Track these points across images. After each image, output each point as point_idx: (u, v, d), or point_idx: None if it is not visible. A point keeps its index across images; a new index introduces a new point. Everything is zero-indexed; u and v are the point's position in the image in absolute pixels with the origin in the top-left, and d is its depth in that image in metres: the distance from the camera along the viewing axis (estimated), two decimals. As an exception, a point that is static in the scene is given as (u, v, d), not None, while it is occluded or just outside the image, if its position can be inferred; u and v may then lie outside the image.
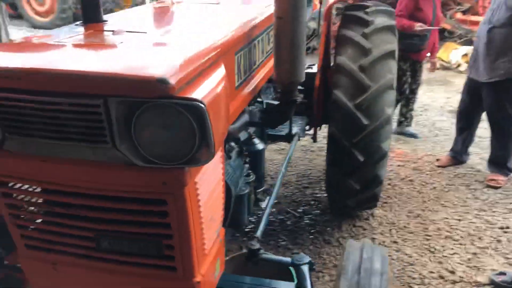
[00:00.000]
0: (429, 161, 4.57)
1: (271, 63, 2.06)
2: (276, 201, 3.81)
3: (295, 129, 3.04)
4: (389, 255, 3.10)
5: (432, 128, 5.51)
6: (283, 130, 3.02)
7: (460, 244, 3.25)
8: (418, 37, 4.55)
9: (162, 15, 1.89)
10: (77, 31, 1.42)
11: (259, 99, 2.46)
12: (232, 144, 1.86)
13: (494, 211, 3.65)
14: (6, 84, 1.06)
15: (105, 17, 1.55)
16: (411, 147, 4.96)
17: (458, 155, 4.44)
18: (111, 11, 14.52)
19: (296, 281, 1.74)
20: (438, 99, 6.57)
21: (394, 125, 5.20)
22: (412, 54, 4.71)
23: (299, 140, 3.11)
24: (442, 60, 7.79)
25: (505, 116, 3.91)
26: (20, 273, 1.97)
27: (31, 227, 1.36)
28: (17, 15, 14.13)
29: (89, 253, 1.32)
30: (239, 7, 2.17)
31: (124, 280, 1.35)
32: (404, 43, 4.52)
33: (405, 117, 5.19)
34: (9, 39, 1.84)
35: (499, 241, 3.27)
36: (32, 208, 1.33)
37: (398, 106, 5.21)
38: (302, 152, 4.87)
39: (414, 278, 2.91)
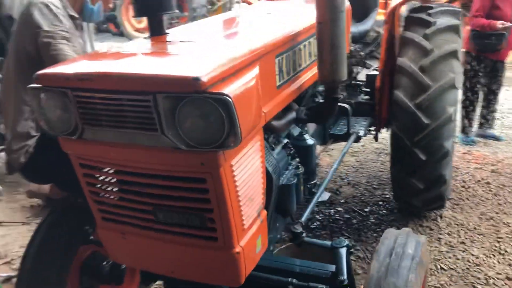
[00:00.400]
0: (510, 164, 4.40)
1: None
2: (343, 201, 3.94)
3: (356, 129, 3.16)
4: (454, 255, 3.10)
5: (518, 131, 5.25)
6: (344, 130, 3.16)
7: (534, 247, 3.14)
8: (495, 36, 4.40)
9: (216, 26, 2.16)
10: (142, 43, 1.73)
11: (316, 100, 2.63)
12: (281, 138, 2.06)
13: None
14: (84, 85, 1.37)
15: (168, 30, 1.85)
16: (492, 149, 4.79)
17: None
18: (204, 16, 15.41)
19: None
20: (529, 101, 6.21)
21: (475, 127, 5.07)
22: (489, 54, 4.56)
23: (359, 139, 3.22)
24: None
25: None
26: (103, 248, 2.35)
27: (105, 201, 1.67)
28: (120, 33, 15.50)
29: (149, 224, 1.60)
30: (289, 16, 2.38)
31: (176, 248, 1.61)
32: (480, 43, 4.41)
33: (486, 119, 5.02)
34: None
35: None
36: (105, 185, 1.65)
37: (479, 108, 5.05)
38: (375, 154, 4.92)
39: (478, 279, 2.89)
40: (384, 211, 3.74)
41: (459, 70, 3.05)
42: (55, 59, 2.03)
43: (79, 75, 1.38)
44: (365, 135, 3.30)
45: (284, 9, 2.72)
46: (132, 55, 1.55)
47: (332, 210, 3.76)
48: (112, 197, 1.66)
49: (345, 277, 1.81)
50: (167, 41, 1.69)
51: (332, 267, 1.92)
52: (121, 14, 14.12)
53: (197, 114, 1.31)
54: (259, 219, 1.72)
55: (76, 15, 2.29)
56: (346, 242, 1.91)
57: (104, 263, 2.26)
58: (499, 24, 4.39)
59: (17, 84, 2.19)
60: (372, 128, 3.54)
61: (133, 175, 1.54)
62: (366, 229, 3.49)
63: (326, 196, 3.51)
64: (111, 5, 2.49)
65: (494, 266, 2.98)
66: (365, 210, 3.77)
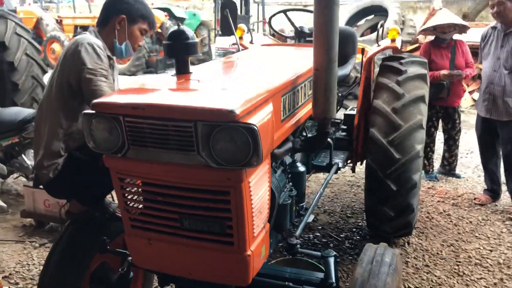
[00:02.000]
0: (468, 198, 4.89)
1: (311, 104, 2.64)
2: (320, 227, 4.29)
3: (336, 161, 3.56)
4: (420, 276, 3.48)
5: (475, 170, 5.79)
6: (325, 161, 3.56)
7: (489, 270, 3.56)
8: (434, 87, 4.75)
9: (231, 67, 2.55)
10: (174, 79, 2.08)
11: (304, 134, 3.02)
12: (278, 164, 2.43)
13: (526, 245, 3.92)
14: (136, 113, 1.71)
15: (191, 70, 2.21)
16: (453, 185, 5.29)
17: (492, 191, 4.74)
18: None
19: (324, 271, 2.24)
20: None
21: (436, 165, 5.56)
22: (435, 101, 4.99)
23: (339, 170, 3.62)
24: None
25: None
26: (114, 262, 2.61)
27: (135, 211, 1.98)
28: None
29: (174, 231, 1.91)
30: (288, 62, 2.79)
31: (196, 252, 1.92)
32: None
33: (448, 162, 5.48)
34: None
35: (527, 270, 3.55)
36: (137, 197, 1.95)
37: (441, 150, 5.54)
38: (348, 186, 5.34)
39: (441, 297, 3.27)
40: (357, 237, 4.11)
41: (425, 113, 3.52)
42: (94, 94, 2.34)
43: (132, 104, 1.72)
44: (344, 167, 3.71)
45: (281, 55, 3.13)
46: (171, 90, 1.90)
47: (311, 235, 4.11)
48: (142, 207, 1.96)
49: (334, 280, 2.15)
50: (195, 79, 2.05)
51: (321, 274, 2.26)
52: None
53: (228, 138, 1.66)
54: (264, 230, 2.05)
55: (111, 55, 2.63)
56: (334, 252, 2.26)
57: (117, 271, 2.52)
58: (442, 72, 4.84)
59: (56, 110, 2.48)
60: (349, 161, 3.95)
61: (164, 188, 1.86)
62: (342, 252, 3.84)
63: (311, 218, 3.85)
64: (141, 43, 2.80)
65: (454, 286, 3.37)
66: (341, 235, 4.14)
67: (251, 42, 4.04)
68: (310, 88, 2.67)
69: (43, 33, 15.51)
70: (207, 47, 15.98)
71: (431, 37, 5.44)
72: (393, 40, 3.71)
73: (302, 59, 2.73)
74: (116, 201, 3.10)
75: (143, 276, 2.85)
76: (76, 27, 15.87)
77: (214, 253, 1.90)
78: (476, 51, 10.11)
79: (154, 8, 15.51)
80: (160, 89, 1.91)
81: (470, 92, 9.38)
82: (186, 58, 2.18)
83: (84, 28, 15.95)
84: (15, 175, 5.02)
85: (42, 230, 4.23)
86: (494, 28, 4.44)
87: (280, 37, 4.86)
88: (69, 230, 2.48)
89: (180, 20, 14.94)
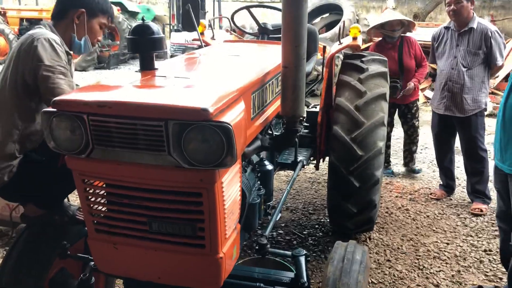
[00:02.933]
0: (425, 193, 5.03)
1: (279, 101, 2.61)
2: (283, 224, 4.29)
3: (300, 158, 3.55)
4: (382, 271, 3.54)
5: (430, 165, 5.97)
6: (289, 159, 3.55)
7: (446, 263, 3.67)
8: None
9: (197, 64, 2.48)
10: (139, 76, 1.99)
11: (270, 132, 2.99)
12: (247, 162, 2.38)
13: (480, 237, 4.08)
14: (102, 111, 1.61)
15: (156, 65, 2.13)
16: (410, 181, 5.43)
17: (447, 187, 4.91)
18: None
19: (294, 271, 2.22)
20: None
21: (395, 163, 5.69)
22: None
23: (303, 167, 3.62)
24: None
25: (477, 146, 4.42)
26: (73, 267, 2.48)
27: (100, 214, 1.87)
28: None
29: (143, 234, 1.83)
30: (255, 58, 2.75)
31: (166, 256, 1.84)
32: None
33: (404, 157, 5.63)
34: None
35: (481, 261, 3.68)
36: (102, 199, 1.85)
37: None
38: (309, 183, 5.37)
39: (403, 290, 3.34)
40: (320, 234, 4.14)
41: (386, 110, 3.58)
42: (52, 92, 2.20)
43: (98, 102, 1.62)
44: (308, 164, 3.71)
45: (247, 52, 3.08)
46: (139, 87, 1.81)
47: (274, 233, 4.10)
48: (107, 210, 1.86)
49: (305, 280, 2.13)
50: (162, 76, 1.97)
51: (291, 274, 2.24)
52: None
53: (201, 138, 1.59)
54: (235, 230, 2.01)
55: (70, 51, 2.48)
56: (304, 251, 2.24)
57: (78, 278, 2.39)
58: None
59: (10, 110, 2.31)
60: (312, 158, 3.96)
61: (132, 190, 1.77)
62: (305, 249, 3.82)
63: (279, 216, 3.85)
64: (100, 38, 2.67)
65: (415, 279, 3.45)
66: (304, 232, 4.15)
67: (212, 38, 3.97)
68: (277, 86, 2.65)
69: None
70: (162, 43, 15.67)
71: (376, 39, 5.54)
72: (354, 38, 3.74)
73: (269, 56, 2.70)
74: (76, 203, 2.97)
75: (105, 281, 2.73)
76: (21, 19, 15.12)
77: (184, 256, 1.84)
78: (427, 50, 10.49)
79: (106, 2, 15.01)
80: (127, 86, 1.81)
81: (422, 90, 9.69)
82: (151, 54, 2.09)
83: (30, 21, 15.32)
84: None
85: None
86: (447, 28, 4.57)
87: (241, 34, 4.81)
88: (26, 235, 2.33)
89: (133, 14, 14.60)
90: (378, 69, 3.69)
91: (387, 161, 5.57)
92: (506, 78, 9.22)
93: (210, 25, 4.08)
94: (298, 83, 2.22)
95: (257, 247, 2.27)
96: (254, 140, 2.30)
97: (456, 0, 4.26)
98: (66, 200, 2.60)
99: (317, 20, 12.46)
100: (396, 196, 4.96)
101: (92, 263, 2.31)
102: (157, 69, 2.10)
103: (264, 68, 2.38)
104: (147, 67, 2.08)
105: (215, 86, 1.85)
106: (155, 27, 2.05)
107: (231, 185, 1.86)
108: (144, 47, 2.04)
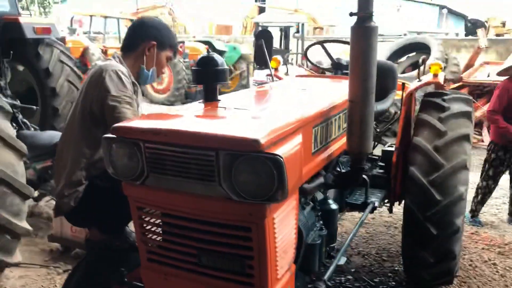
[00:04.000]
0: (517, 247, 4.52)
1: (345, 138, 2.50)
2: (353, 270, 4.05)
3: (372, 199, 3.35)
4: (462, 331, 3.17)
5: (524, 216, 5.39)
6: (360, 200, 3.36)
7: (541, 329, 3.21)
8: None
9: (261, 96, 2.46)
10: (200, 107, 2.00)
11: (337, 169, 2.86)
12: (307, 200, 2.27)
13: None
14: (157, 139, 1.62)
15: (219, 97, 2.13)
16: (499, 232, 4.92)
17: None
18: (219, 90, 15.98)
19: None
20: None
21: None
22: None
23: (375, 209, 3.41)
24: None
25: None
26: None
27: (153, 243, 1.86)
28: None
29: (191, 267, 1.78)
30: (323, 92, 2.67)
31: (214, 291, 1.78)
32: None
33: None
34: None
35: None
36: (155, 228, 1.84)
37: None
38: (384, 227, 5.06)
39: None
40: (393, 283, 3.83)
41: (469, 153, 3.29)
42: (117, 121, 2.25)
43: (153, 130, 1.64)
44: (380, 206, 3.49)
45: (315, 86, 3.03)
46: (196, 117, 1.82)
47: (343, 278, 3.87)
48: (159, 239, 1.85)
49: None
50: (222, 107, 1.96)
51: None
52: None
53: (251, 170, 1.53)
54: (289, 271, 1.89)
55: (136, 82, 2.58)
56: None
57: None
58: None
59: (79, 139, 2.43)
60: (386, 201, 3.73)
61: (183, 220, 1.74)
62: (375, 299, 3.57)
63: (343, 260, 3.66)
64: (164, 70, 2.77)
65: None
66: (375, 280, 3.87)
67: (286, 74, 3.96)
68: (345, 121, 2.54)
69: (88, 61, 16.08)
70: (245, 80, 16.16)
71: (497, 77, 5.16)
72: (435, 75, 3.53)
73: (338, 91, 2.61)
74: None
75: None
76: (122, 58, 16.38)
77: (233, 294, 1.75)
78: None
79: (195, 41, 15.90)
80: (184, 116, 1.82)
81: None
82: (214, 85, 2.10)
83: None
84: (47, 198, 5.04)
85: (68, 255, 4.17)
86: None
87: (316, 69, 4.77)
88: (87, 259, 2.39)
89: (221, 53, 15.24)
90: (462, 108, 3.43)
91: (477, 209, 5.13)
92: None
93: (285, 61, 4.09)
94: (364, 118, 2.11)
95: None
96: (316, 176, 2.20)
97: None
98: (128, 226, 2.65)
99: (403, 58, 12.14)
100: (483, 248, 4.49)
101: (147, 292, 2.30)
102: (219, 100, 2.10)
103: (330, 102, 2.29)
104: (210, 98, 2.09)
105: (271, 118, 1.80)
106: (219, 59, 2.07)
107: (285, 222, 1.77)
108: (208, 78, 2.06)
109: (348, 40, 2.15)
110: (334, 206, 2.47)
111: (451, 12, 32.25)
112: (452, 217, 3.13)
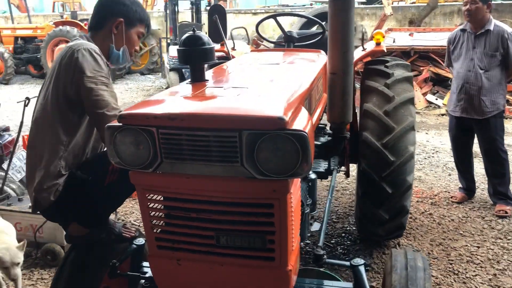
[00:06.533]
0: (445, 197, 5.01)
1: (319, 109, 2.59)
2: (309, 234, 4.23)
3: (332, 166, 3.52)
4: (418, 277, 3.49)
5: (444, 168, 5.97)
6: (318, 168, 3.50)
7: (481, 267, 3.63)
8: None
9: (244, 73, 2.44)
10: (195, 88, 1.95)
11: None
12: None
13: (509, 239, 4.05)
14: (170, 123, 1.57)
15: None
16: (428, 185, 5.41)
17: (467, 190, 4.89)
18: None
19: (353, 281, 2.17)
20: (447, 142, 7.07)
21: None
22: None
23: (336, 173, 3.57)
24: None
25: (497, 148, 4.43)
26: (117, 286, 2.41)
27: (164, 230, 1.82)
28: (40, 75, 14.99)
29: (209, 249, 1.77)
30: (296, 66, 2.72)
31: (235, 270, 1.79)
32: None
33: None
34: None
35: (515, 263, 3.66)
36: (166, 215, 1.79)
37: None
38: (326, 191, 5.32)
39: (441, 296, 3.29)
40: (348, 242, 4.09)
41: (415, 115, 3.56)
42: (95, 104, 2.13)
43: (169, 115, 1.58)
44: (338, 171, 3.67)
45: (283, 60, 3.03)
46: (205, 98, 1.77)
47: (301, 243, 4.03)
48: (172, 225, 1.81)
49: (368, 290, 2.08)
50: (220, 87, 1.93)
51: (349, 284, 2.19)
52: (46, 56, 13.77)
53: (275, 147, 1.55)
54: (298, 242, 1.96)
55: (108, 62, 2.41)
56: (363, 260, 2.19)
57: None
58: None
59: (54, 126, 2.24)
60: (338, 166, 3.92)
61: (200, 203, 1.72)
62: (336, 259, 3.79)
63: (317, 226, 3.82)
64: (137, 47, 2.62)
65: (452, 284, 3.41)
66: (332, 242, 4.10)
67: (233, 49, 3.94)
68: (317, 92, 2.62)
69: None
70: (156, 56, 15.70)
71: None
72: (378, 44, 3.73)
73: (306, 64, 2.68)
74: (120, 220, 2.90)
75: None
76: (16, 38, 15.05)
77: (252, 270, 1.78)
78: (426, 55, 10.49)
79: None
80: (193, 98, 1.77)
81: (424, 94, 9.74)
82: (202, 65, 2.06)
83: (25, 39, 15.19)
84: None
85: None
86: (463, 30, 4.59)
87: (257, 44, 4.78)
88: (74, 255, 2.26)
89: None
90: (404, 74, 3.68)
91: None
92: None
93: (231, 36, 4.06)
94: (346, 89, 2.20)
95: (311, 258, 2.22)
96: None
97: (472, 0, 4.29)
98: (111, 217, 2.53)
99: (313, 29, 12.52)
100: (417, 201, 4.93)
101: (143, 281, 2.24)
102: (207, 80, 2.07)
103: (310, 74, 2.35)
104: (198, 79, 2.05)
105: (279, 94, 1.82)
106: (205, 37, 2.02)
107: (296, 196, 1.82)
108: (196, 58, 2.01)
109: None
110: (313, 175, 2.56)
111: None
112: (405, 175, 3.39)
